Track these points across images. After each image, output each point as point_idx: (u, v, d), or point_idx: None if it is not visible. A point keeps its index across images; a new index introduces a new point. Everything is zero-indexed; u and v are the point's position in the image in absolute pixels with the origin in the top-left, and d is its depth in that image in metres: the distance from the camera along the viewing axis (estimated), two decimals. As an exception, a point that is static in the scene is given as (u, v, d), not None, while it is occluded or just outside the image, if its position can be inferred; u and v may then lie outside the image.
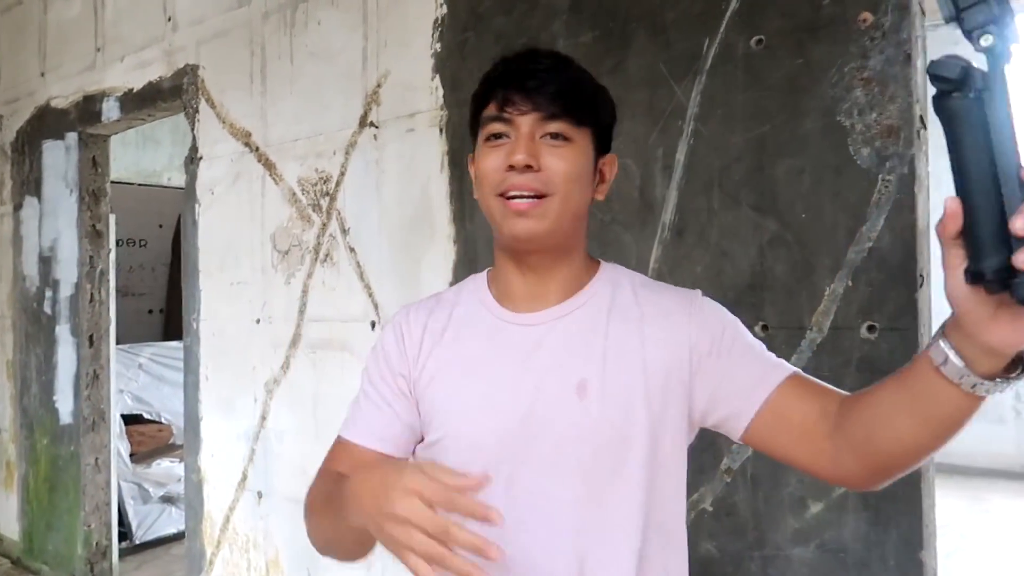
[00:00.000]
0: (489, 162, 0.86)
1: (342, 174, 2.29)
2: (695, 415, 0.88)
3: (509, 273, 0.91)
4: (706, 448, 1.54)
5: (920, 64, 1.35)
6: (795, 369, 0.85)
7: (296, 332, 2.43)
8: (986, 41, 0.55)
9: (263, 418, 2.54)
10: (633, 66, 1.66)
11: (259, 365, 2.55)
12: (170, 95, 2.91)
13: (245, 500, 2.61)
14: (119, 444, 3.94)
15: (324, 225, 2.34)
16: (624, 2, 1.67)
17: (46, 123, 3.59)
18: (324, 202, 2.34)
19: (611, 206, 1.68)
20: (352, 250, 2.25)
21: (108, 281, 3.53)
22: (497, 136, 0.86)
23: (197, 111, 2.79)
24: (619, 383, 0.85)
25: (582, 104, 0.86)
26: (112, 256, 3.57)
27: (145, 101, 3.05)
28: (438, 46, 2.04)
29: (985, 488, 4.39)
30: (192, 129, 2.82)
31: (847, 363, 1.41)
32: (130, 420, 4.27)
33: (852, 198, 1.39)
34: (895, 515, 1.37)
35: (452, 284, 1.98)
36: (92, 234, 3.48)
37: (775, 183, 1.47)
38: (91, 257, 3.48)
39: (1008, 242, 0.54)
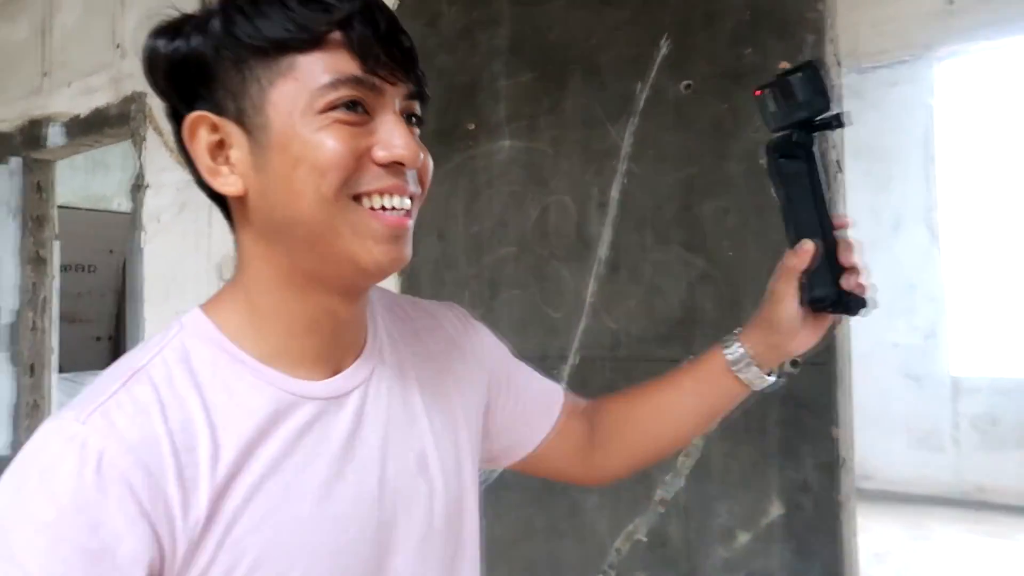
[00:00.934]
0: (338, 143, 0.56)
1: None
2: (482, 450, 0.77)
3: (301, 322, 0.61)
4: (639, 479, 1.58)
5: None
6: (561, 385, 0.86)
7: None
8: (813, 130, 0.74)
9: (205, 449, 2.51)
10: (570, 106, 1.71)
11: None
12: (117, 121, 2.90)
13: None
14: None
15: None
16: (561, 45, 1.73)
17: (-11, 147, 3.53)
18: (270, 232, 2.35)
19: (549, 241, 1.72)
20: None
21: (51, 308, 3.47)
22: (352, 105, 0.57)
23: (144, 138, 2.78)
24: (448, 442, 0.69)
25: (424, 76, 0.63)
26: (56, 283, 3.51)
27: (91, 127, 3.02)
28: (384, 81, 2.08)
29: (924, 515, 4.50)
30: (138, 156, 2.80)
31: (772, 396, 1.46)
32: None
33: (775, 237, 1.45)
34: (818, 545, 1.41)
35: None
36: (35, 260, 3.42)
37: (703, 222, 1.53)
38: (33, 284, 3.42)
39: (833, 275, 0.73)
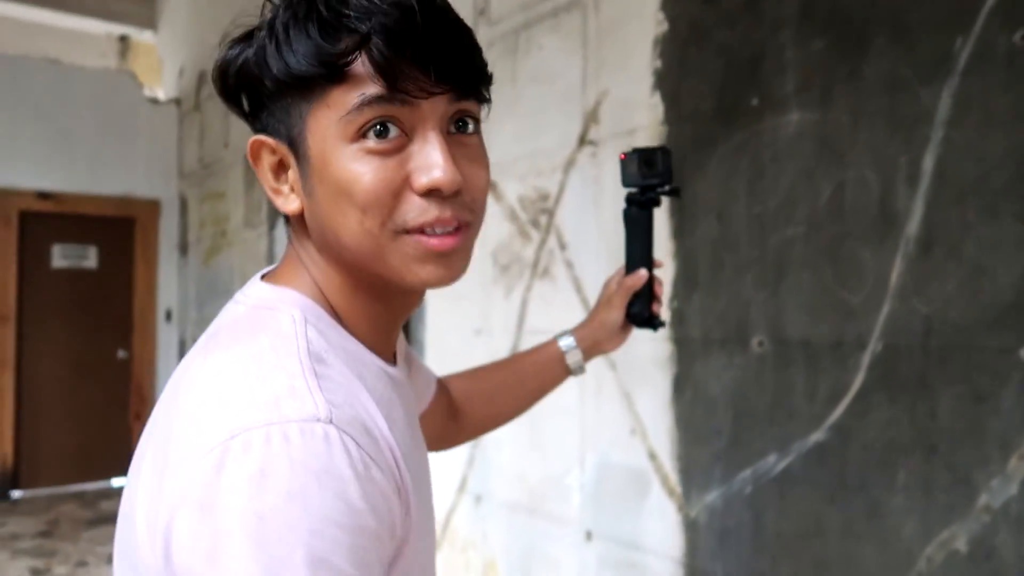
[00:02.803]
0: (373, 177, 0.54)
1: (560, 191, 2.36)
2: None
3: (374, 318, 0.63)
4: (956, 482, 1.41)
5: None
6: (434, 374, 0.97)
7: (514, 344, 2.53)
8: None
9: (482, 425, 2.67)
10: (871, 72, 1.57)
11: (479, 375, 2.68)
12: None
13: (464, 504, 2.75)
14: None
15: (543, 241, 2.43)
16: (861, 5, 1.59)
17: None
18: (543, 219, 2.43)
19: (845, 219, 1.59)
20: (570, 265, 2.31)
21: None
22: (382, 131, 0.54)
23: (425, 137, 3.00)
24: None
25: (484, 67, 0.59)
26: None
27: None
28: (658, 63, 2.05)
29: None
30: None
31: None
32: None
33: None
34: None
35: (674, 298, 1.97)
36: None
37: (1045, 191, 1.32)
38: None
39: (648, 300, 1.04)
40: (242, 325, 0.58)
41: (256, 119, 0.60)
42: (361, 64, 0.54)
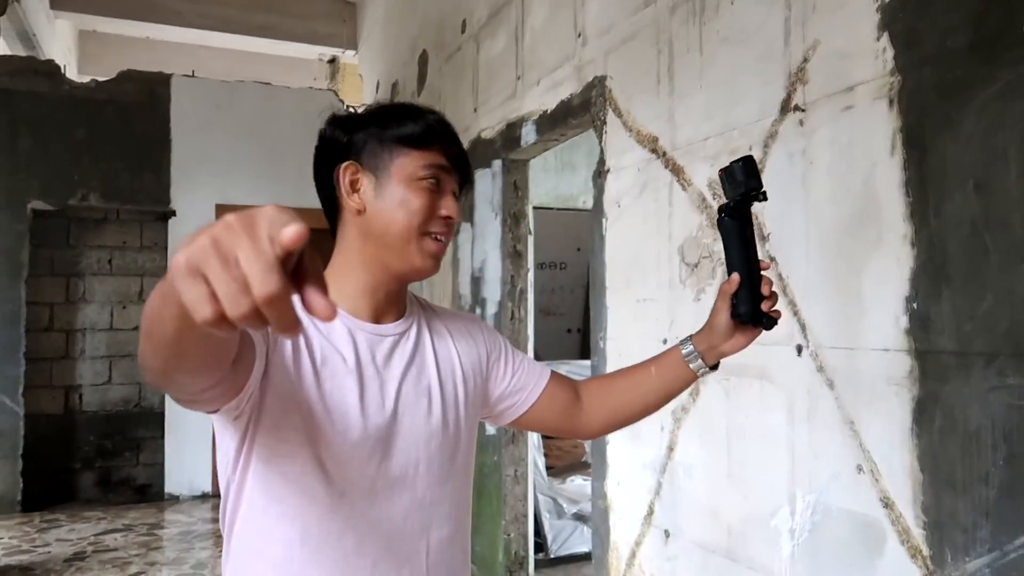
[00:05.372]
0: (426, 201, 1.00)
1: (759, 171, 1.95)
2: (487, 406, 1.19)
3: (371, 291, 1.03)
4: None
5: None
6: (552, 368, 1.25)
7: (706, 355, 2.15)
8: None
9: (670, 449, 2.30)
10: None
11: (666, 390, 2.32)
12: (579, 110, 2.89)
13: (651, 537, 2.39)
14: (537, 457, 4.08)
15: (738, 232, 2.03)
16: None
17: (477, 154, 3.89)
18: (738, 206, 2.03)
19: None
20: (773, 260, 1.89)
21: (527, 300, 3.67)
22: (435, 181, 1.01)
23: (604, 122, 2.70)
24: (450, 389, 1.09)
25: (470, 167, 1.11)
26: (530, 276, 3.71)
27: (557, 121, 3.08)
28: (886, -5, 1.60)
29: None
30: (600, 141, 2.74)
31: None
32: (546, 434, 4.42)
33: None
34: None
35: (914, 298, 1.51)
36: (513, 255, 3.65)
37: None
38: (512, 276, 3.65)
39: (753, 299, 1.11)
40: None
41: (359, 155, 1.02)
42: (437, 144, 1.04)
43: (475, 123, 3.93)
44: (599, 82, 2.74)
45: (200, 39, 6.63)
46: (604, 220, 2.69)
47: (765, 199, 1.12)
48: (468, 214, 3.97)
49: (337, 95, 6.05)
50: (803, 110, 1.82)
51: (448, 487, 1.05)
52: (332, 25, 6.70)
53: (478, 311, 3.90)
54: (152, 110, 5.47)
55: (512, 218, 3.64)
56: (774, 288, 1.13)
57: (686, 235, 2.27)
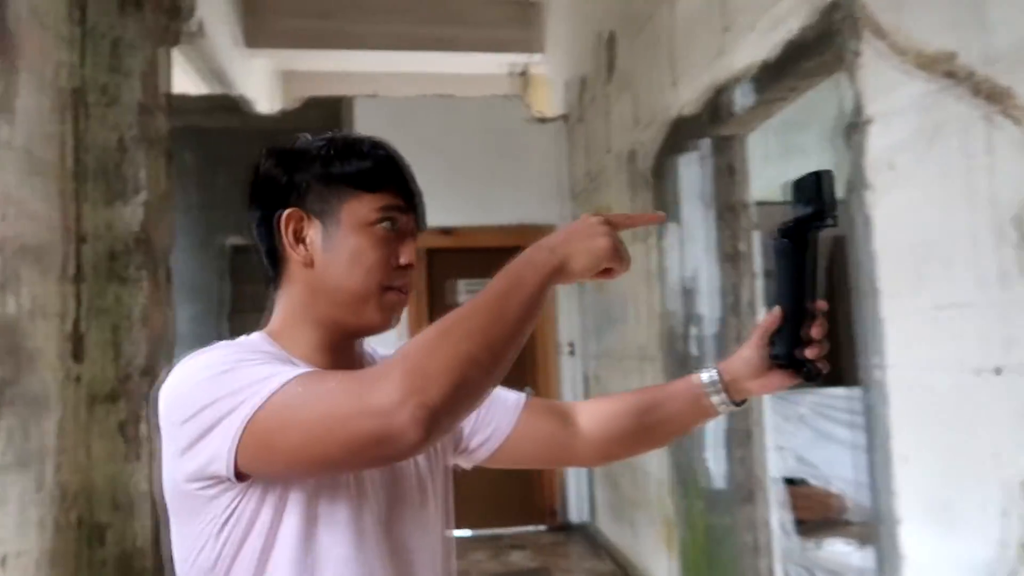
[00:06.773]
0: (382, 251, 0.89)
1: None
2: (458, 444, 1.06)
3: (327, 349, 0.92)
4: None
5: None
6: (526, 395, 1.09)
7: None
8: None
9: (1023, 547, 1.42)
10: None
11: (1006, 448, 1.44)
12: (815, 48, 2.07)
13: None
14: (781, 515, 3.20)
15: None
16: None
17: (679, 136, 3.15)
18: None
19: None
20: None
21: (754, 315, 2.85)
22: (391, 223, 0.90)
23: (858, 55, 1.87)
24: None
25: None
26: (758, 284, 2.89)
27: (783, 70, 2.28)
28: None
29: None
30: (852, 83, 1.90)
31: None
32: (790, 482, 3.51)
33: None
34: None
35: None
36: (732, 257, 2.85)
37: None
38: (733, 285, 2.85)
39: (792, 341, 0.92)
40: None
41: (302, 199, 0.91)
42: (391, 186, 0.93)
43: (674, 99, 3.20)
44: (844, 2, 1.92)
45: (384, 63, 6.50)
46: (868, 193, 1.85)
47: (835, 225, 0.91)
48: (674, 212, 3.22)
49: (521, 99, 5.57)
50: None
51: (425, 536, 0.96)
52: (516, 30, 6.27)
53: (693, 331, 3.13)
54: (337, 136, 5.33)
55: (728, 210, 2.85)
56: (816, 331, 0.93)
57: (1021, 200, 1.40)
